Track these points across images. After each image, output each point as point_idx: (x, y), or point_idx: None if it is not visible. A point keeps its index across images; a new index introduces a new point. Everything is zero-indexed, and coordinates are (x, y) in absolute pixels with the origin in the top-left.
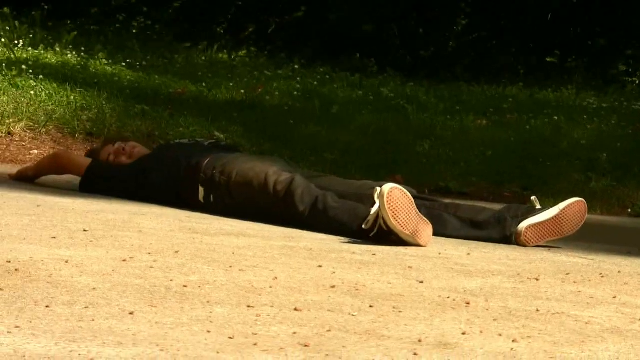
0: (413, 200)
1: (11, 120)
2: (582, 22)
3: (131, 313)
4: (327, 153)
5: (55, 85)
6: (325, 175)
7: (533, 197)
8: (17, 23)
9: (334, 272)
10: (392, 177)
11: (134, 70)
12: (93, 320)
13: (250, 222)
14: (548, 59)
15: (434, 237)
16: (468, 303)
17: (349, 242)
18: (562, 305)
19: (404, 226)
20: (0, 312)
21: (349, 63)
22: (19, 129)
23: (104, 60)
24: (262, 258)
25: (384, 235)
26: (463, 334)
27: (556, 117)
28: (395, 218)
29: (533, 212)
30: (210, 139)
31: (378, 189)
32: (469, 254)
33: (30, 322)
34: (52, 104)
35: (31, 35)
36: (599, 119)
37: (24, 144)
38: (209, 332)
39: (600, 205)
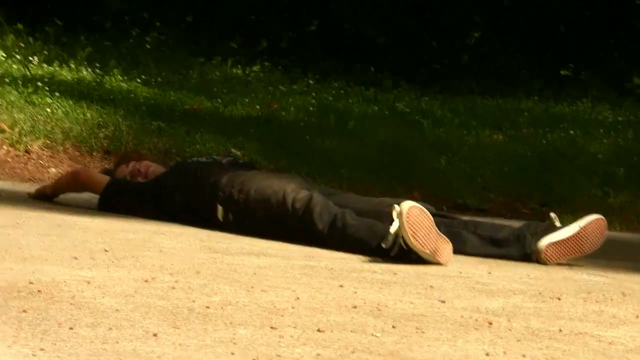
0: (432, 219)
1: (28, 138)
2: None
3: (155, 335)
4: (343, 168)
5: (71, 102)
6: (342, 192)
7: (552, 214)
8: (31, 39)
9: (356, 292)
10: (410, 195)
11: (150, 86)
12: (117, 342)
13: (270, 241)
14: (562, 72)
15: (454, 255)
16: (490, 323)
17: (369, 261)
18: (584, 325)
19: (423, 245)
20: (24, 334)
21: (363, 77)
22: (36, 147)
23: (119, 76)
24: (284, 278)
25: (404, 254)
26: (487, 354)
27: (572, 131)
28: (414, 237)
29: (553, 229)
30: (227, 156)
31: (397, 207)
32: (489, 273)
33: (55, 344)
34: (69, 122)
35: (45, 52)
36: (615, 132)
37: (41, 162)
38: (232, 354)
39: (619, 221)
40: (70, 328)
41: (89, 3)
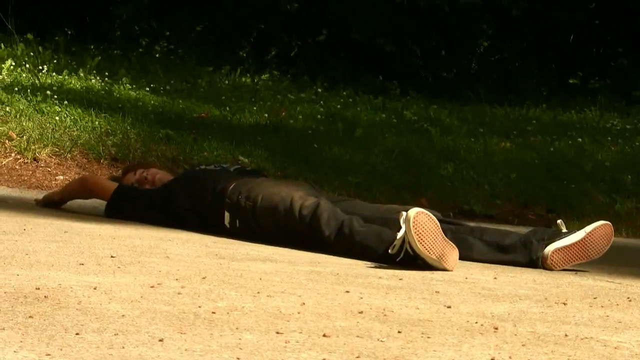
0: (439, 225)
1: (37, 146)
2: (605, 43)
3: (161, 340)
4: (351, 176)
5: (79, 110)
6: (350, 199)
7: (559, 221)
8: (40, 49)
9: (362, 297)
10: (417, 201)
11: (158, 94)
12: (123, 347)
13: (276, 247)
14: (571, 81)
15: (460, 260)
16: (496, 328)
17: (375, 267)
18: (590, 330)
19: (430, 251)
20: (31, 339)
21: (371, 85)
22: (44, 155)
23: (127, 85)
24: (289, 283)
25: (410, 259)
26: (492, 359)
27: (580, 139)
28: (421, 243)
29: (559, 235)
30: (235, 164)
31: (404, 213)
32: (495, 278)
33: (61, 349)
34: (77, 130)
35: (55, 61)
36: (623, 140)
37: (49, 169)
38: (238, 359)
39: (625, 228)
40: (77, 333)
41: (98, 13)
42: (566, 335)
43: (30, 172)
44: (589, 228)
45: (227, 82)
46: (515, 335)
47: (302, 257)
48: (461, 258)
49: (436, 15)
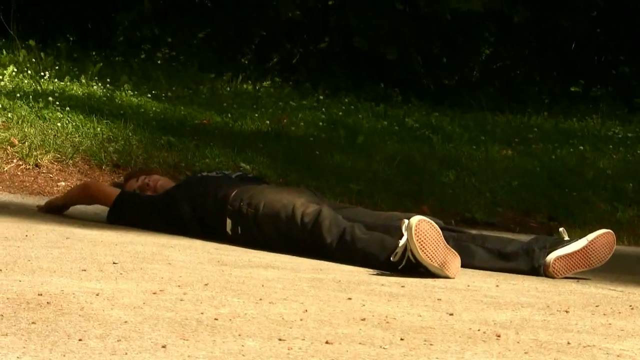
0: (441, 232)
1: (38, 152)
2: (606, 50)
3: (163, 346)
4: (352, 183)
5: (81, 116)
6: (352, 207)
7: (561, 229)
8: (42, 55)
9: (364, 305)
10: (419, 208)
11: (160, 101)
12: (126, 353)
13: (278, 254)
14: (572, 88)
15: (462, 268)
16: (499, 336)
17: (377, 274)
18: (592, 337)
19: (432, 258)
20: (33, 345)
21: (373, 93)
22: (46, 161)
23: (129, 91)
24: (292, 290)
25: (413, 267)
26: None
27: (581, 147)
28: (423, 251)
29: (561, 243)
30: (236, 170)
31: (406, 221)
32: (497, 286)
33: (64, 355)
34: (79, 136)
35: (57, 67)
36: (624, 148)
37: (51, 175)
38: None
39: (627, 236)
40: (80, 339)
41: (100, 19)
42: (569, 343)
43: (32, 178)
44: (591, 236)
45: (228, 88)
46: (518, 343)
47: (304, 264)
48: (463, 266)
49: (438, 22)
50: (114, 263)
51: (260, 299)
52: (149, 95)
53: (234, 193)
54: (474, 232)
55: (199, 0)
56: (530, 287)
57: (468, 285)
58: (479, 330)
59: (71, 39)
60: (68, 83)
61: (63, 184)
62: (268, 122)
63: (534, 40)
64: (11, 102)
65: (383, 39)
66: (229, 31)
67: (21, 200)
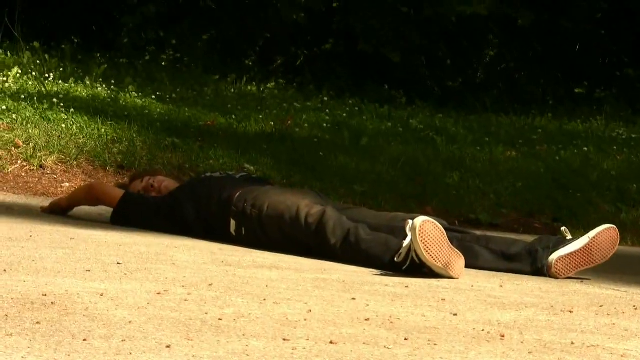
0: (445, 233)
1: (43, 153)
2: (610, 52)
3: (168, 346)
4: (357, 184)
5: (86, 118)
6: (356, 208)
7: (563, 228)
8: (47, 57)
9: (368, 305)
10: (423, 209)
11: (164, 102)
12: (130, 353)
13: (282, 255)
14: (577, 90)
15: (466, 269)
16: (503, 336)
17: (381, 274)
18: (596, 337)
19: (436, 259)
20: (38, 345)
21: (377, 94)
22: (50, 162)
23: (134, 93)
24: (296, 291)
25: (417, 268)
26: None
27: (586, 148)
28: (427, 251)
29: (563, 243)
30: (240, 171)
31: (410, 221)
32: (501, 286)
33: (69, 355)
34: (83, 137)
35: (61, 69)
36: (628, 149)
37: (55, 176)
38: None
39: (631, 237)
40: (84, 339)
41: (105, 22)
42: (572, 343)
43: (37, 180)
44: (592, 233)
45: (233, 90)
46: (522, 343)
47: (308, 265)
48: (467, 266)
49: (442, 25)
50: (118, 263)
51: (265, 299)
52: (154, 97)
53: (238, 194)
54: (478, 233)
55: (204, 2)
56: (534, 287)
57: (472, 286)
58: (483, 330)
59: (76, 41)
60: (72, 85)
61: (67, 185)
62: (272, 123)
63: (538, 43)
64: (16, 104)
65: (387, 42)
66: (233, 33)
67: (25, 201)
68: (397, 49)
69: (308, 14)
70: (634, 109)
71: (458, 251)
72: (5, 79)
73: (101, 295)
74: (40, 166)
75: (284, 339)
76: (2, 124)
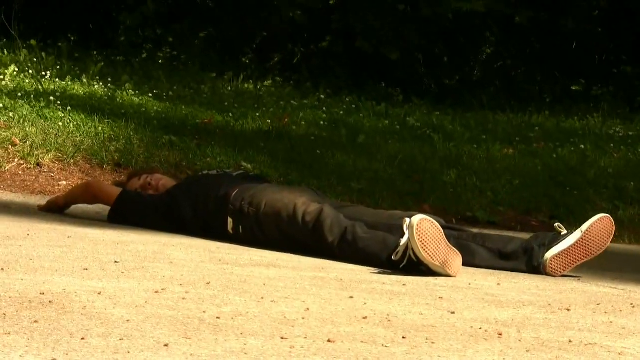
0: (442, 231)
1: (40, 151)
2: (608, 50)
3: (166, 345)
4: (354, 182)
5: (83, 116)
6: (353, 205)
7: (557, 224)
8: (44, 54)
9: (366, 303)
10: (420, 207)
11: (161, 100)
12: (128, 352)
13: (280, 253)
14: (574, 87)
15: (463, 267)
16: (500, 334)
17: (379, 273)
18: (594, 336)
19: (433, 257)
20: (36, 344)
21: (374, 92)
22: (47, 160)
23: (130, 91)
24: (293, 289)
25: (414, 266)
26: None
27: (583, 146)
28: (424, 249)
29: (558, 239)
30: (238, 169)
31: (407, 220)
32: (499, 284)
33: (67, 354)
34: (80, 135)
35: (58, 67)
36: (625, 147)
37: (52, 175)
38: None
39: (628, 235)
40: (82, 338)
41: (102, 19)
42: (570, 341)
43: (34, 178)
44: (585, 226)
45: (230, 88)
46: (520, 341)
47: (305, 263)
48: (464, 264)
49: (439, 22)
50: (115, 262)
51: (262, 298)
52: (151, 95)
53: (235, 192)
54: (475, 231)
55: (202, 0)
56: (531, 285)
57: (469, 284)
58: (480, 328)
59: (72, 39)
60: (69, 83)
61: (64, 183)
62: (269, 121)
63: (535, 40)
64: (13, 102)
65: (384, 40)
66: (230, 31)
67: (23, 200)
68: (394, 46)
69: (306, 12)
70: (631, 107)
71: (455, 249)
72: (2, 77)
73: (99, 293)
74: (37, 164)
75: (282, 338)
76: None
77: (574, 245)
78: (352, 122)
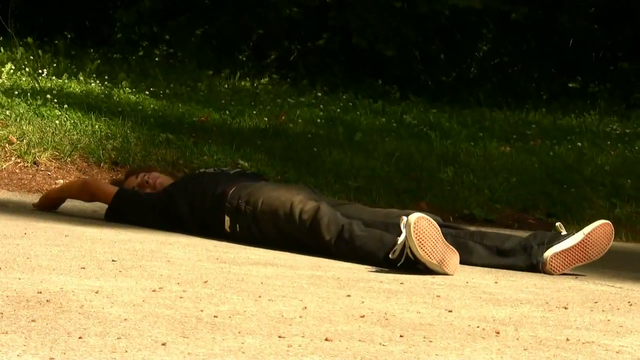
0: (439, 229)
1: (37, 149)
2: (604, 47)
3: (163, 344)
4: (351, 180)
5: (79, 114)
6: (350, 203)
7: (558, 223)
8: (40, 52)
9: (363, 302)
10: (417, 205)
11: (158, 98)
12: (126, 351)
13: (277, 251)
14: (570, 85)
15: (461, 265)
16: (498, 332)
17: (376, 271)
18: (591, 334)
19: (430, 255)
20: (34, 343)
21: (371, 89)
22: (44, 159)
23: (127, 88)
24: (291, 288)
25: (411, 264)
26: None
27: (580, 143)
28: (422, 248)
29: (558, 238)
30: (234, 167)
31: (404, 218)
32: (496, 282)
33: (65, 353)
34: (77, 133)
35: (55, 64)
36: (622, 144)
37: (49, 173)
38: None
39: (625, 232)
40: (80, 337)
41: (98, 17)
42: (568, 339)
43: (31, 176)
44: (587, 229)
45: (226, 86)
46: (517, 339)
47: (303, 262)
48: (461, 262)
49: (436, 19)
50: (113, 261)
51: (260, 296)
52: (147, 93)
53: (232, 190)
54: (472, 228)
55: None
56: (529, 283)
57: (467, 282)
58: (478, 326)
59: (69, 36)
60: (66, 80)
61: (61, 181)
62: (266, 119)
63: (531, 37)
64: (9, 100)
65: (381, 37)
66: (226, 28)
67: (19, 198)
68: (391, 43)
69: (302, 9)
70: (627, 104)
71: (453, 247)
72: None
73: (96, 292)
74: (34, 163)
75: (280, 336)
76: None
77: (575, 246)
78: (348, 119)
